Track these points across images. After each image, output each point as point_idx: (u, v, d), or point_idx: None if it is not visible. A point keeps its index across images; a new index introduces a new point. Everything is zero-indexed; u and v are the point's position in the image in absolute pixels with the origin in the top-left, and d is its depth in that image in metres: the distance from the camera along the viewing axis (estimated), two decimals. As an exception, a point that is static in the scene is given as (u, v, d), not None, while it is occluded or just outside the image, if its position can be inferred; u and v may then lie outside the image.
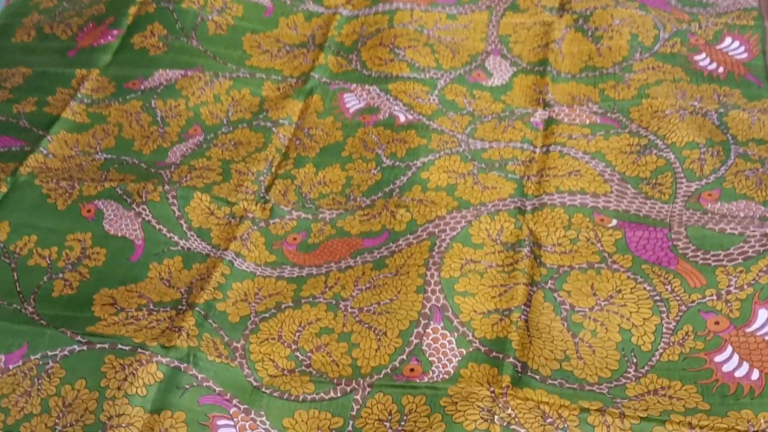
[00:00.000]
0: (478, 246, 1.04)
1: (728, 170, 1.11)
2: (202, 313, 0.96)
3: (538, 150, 1.20)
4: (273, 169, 1.18)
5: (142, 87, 1.32)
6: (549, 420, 0.85)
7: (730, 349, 0.89)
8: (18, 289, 1.03)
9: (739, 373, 0.87)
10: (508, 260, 1.04)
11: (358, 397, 0.88)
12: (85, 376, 0.89)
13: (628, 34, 1.36)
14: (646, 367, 0.91)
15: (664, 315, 0.95)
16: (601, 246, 1.04)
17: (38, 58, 1.42)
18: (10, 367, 0.92)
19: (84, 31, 1.50)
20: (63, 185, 1.14)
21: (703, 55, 1.34)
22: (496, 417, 0.86)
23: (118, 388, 0.86)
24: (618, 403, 0.87)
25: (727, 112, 1.21)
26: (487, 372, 0.91)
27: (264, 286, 1.02)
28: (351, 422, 0.88)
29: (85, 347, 0.92)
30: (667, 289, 0.98)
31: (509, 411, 0.86)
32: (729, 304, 0.94)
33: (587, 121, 1.23)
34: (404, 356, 0.92)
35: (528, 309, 0.98)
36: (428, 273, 0.98)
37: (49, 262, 1.06)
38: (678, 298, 0.97)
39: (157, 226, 1.09)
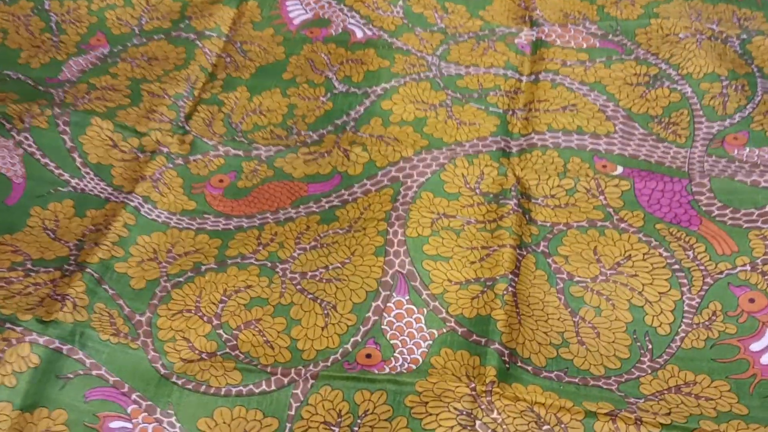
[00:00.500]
0: (452, 196, 0.87)
1: (756, 109, 0.92)
2: (96, 275, 0.80)
3: (524, 78, 1.00)
4: (195, 93, 1.02)
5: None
6: (545, 427, 0.67)
7: (768, 334, 0.73)
8: None
9: (781, 366, 0.71)
10: (490, 215, 0.84)
11: (299, 391, 0.72)
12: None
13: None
14: (665, 356, 0.74)
15: (685, 289, 0.78)
16: (605, 199, 0.85)
17: None
18: None
19: None
20: None
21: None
22: (477, 423, 0.67)
23: (-24, 378, 0.69)
24: (632, 405, 0.68)
25: (751, 38, 1.01)
26: (466, 362, 0.73)
27: (179, 241, 0.86)
28: (288, 425, 0.70)
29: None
30: (688, 256, 0.79)
31: (494, 415, 0.68)
32: (766, 277, 0.75)
33: (584, 45, 1.03)
34: (359, 338, 0.76)
35: (516, 279, 0.78)
36: (390, 230, 0.83)
37: None
38: (702, 267, 0.78)
39: (43, 160, 0.91)
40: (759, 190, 0.83)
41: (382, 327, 0.76)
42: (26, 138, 0.91)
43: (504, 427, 0.67)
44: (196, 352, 0.75)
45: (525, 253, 0.81)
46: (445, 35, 1.06)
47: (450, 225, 0.84)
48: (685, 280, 0.78)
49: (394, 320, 0.76)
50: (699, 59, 0.98)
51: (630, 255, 0.81)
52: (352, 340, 0.75)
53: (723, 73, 0.97)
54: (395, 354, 0.74)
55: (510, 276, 0.78)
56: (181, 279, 0.81)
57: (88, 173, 0.91)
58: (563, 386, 0.71)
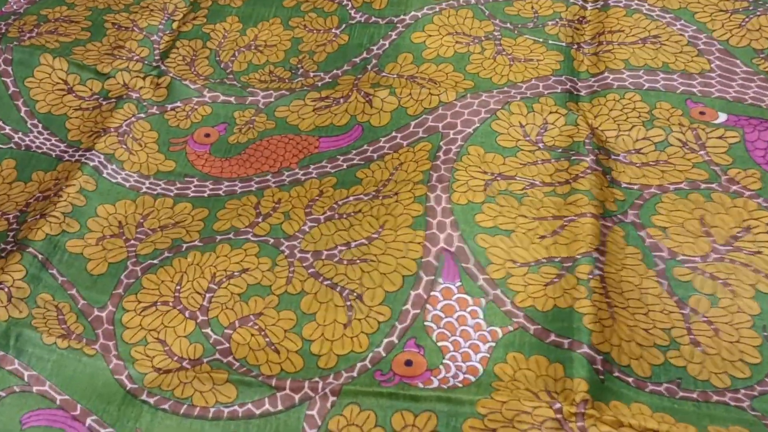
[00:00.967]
0: (509, 152, 0.69)
1: None
2: (40, 257, 0.64)
3: (590, 5, 0.80)
4: (174, 24, 0.84)
5: None
6: (665, 465, 0.48)
7: None
8: None
9: None
10: (560, 176, 0.66)
11: (314, 412, 0.55)
12: None
13: None
14: (810, 360, 0.55)
15: (827, 270, 0.59)
16: (707, 154, 0.67)
17: None
18: None
19: None
20: None
21: None
22: (568, 461, 0.48)
23: None
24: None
25: None
26: (545, 371, 0.55)
27: (153, 211, 0.68)
28: (302, 461, 0.52)
29: None
30: (826, 226, 0.60)
31: (591, 448, 0.48)
32: None
33: None
34: (394, 338, 0.58)
35: (603, 258, 0.59)
36: (431, 195, 0.65)
37: None
38: None
39: (-25, 110, 0.74)
40: None
41: (426, 323, 0.58)
42: (-42, 82, 0.73)
43: (606, 466, 0.48)
44: (175, 358, 0.58)
45: (610, 224, 0.62)
46: (486, -45, 0.87)
47: (509, 188, 0.65)
48: (826, 259, 0.59)
49: (442, 314, 0.58)
50: (810, -20, 0.78)
51: (749, 226, 0.62)
52: (385, 341, 0.57)
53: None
54: (445, 360, 0.56)
55: (595, 254, 0.59)
56: (155, 261, 0.64)
57: (35, 126, 0.75)
58: (678, 404, 0.53)
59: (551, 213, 0.63)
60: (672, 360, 0.55)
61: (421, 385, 0.54)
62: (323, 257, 0.62)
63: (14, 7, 0.84)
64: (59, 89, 0.76)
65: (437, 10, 0.81)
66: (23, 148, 0.73)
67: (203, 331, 0.59)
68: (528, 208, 0.64)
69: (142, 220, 0.66)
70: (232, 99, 0.76)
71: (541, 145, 0.68)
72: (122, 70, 0.77)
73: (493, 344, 0.56)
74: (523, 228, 0.62)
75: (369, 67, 0.77)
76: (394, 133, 0.71)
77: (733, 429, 0.51)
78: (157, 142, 0.73)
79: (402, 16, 0.81)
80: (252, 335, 0.58)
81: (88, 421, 0.54)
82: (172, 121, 0.74)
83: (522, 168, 0.67)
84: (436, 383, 0.54)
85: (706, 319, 0.57)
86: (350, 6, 0.83)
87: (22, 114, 0.75)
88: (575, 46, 0.77)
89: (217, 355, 0.57)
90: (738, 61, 0.74)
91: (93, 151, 0.70)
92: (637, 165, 0.67)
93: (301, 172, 0.69)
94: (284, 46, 0.81)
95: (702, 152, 0.67)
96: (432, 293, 0.59)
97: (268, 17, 0.84)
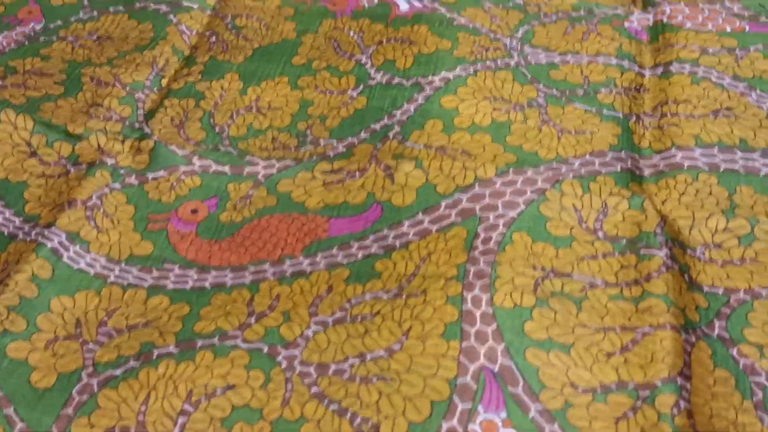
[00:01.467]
0: (562, 242, 0.57)
1: None
2: None
3: (648, 71, 0.69)
4: (164, 81, 0.74)
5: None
6: None
7: None
8: None
9: None
10: (627, 274, 0.54)
11: None
12: None
13: None
14: None
15: None
16: None
17: None
18: None
19: None
20: None
21: None
22: None
23: None
24: None
25: None
26: None
27: (121, 306, 0.55)
28: None
29: None
30: None
31: None
32: None
33: (727, 28, 0.73)
34: None
35: (689, 386, 0.45)
36: (468, 296, 0.53)
37: None
38: None
39: None
40: None
41: (463, 470, 0.43)
42: None
43: None
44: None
45: (694, 339, 0.49)
46: (525, 13, 0.76)
47: (564, 289, 0.52)
48: None
49: (484, 457, 0.44)
50: None
51: None
52: (409, 492, 0.43)
53: None
54: None
55: (679, 380, 0.46)
56: (116, 372, 0.50)
57: (-13, 195, 0.62)
58: None
59: (619, 323, 0.50)
60: None
61: None
62: (330, 373, 0.49)
63: (-20, 56, 0.73)
64: (21, 151, 0.64)
65: (472, 71, 0.69)
66: (-31, 223, 0.60)
67: (173, 468, 0.45)
68: (589, 315, 0.51)
69: (106, 318, 0.53)
70: (226, 169, 0.63)
71: (600, 234, 0.56)
72: (98, 131, 0.65)
73: (553, 502, 0.43)
74: (584, 341, 0.49)
75: (391, 135, 0.65)
76: (420, 216, 0.58)
77: None
78: (132, 219, 0.60)
79: (431, 77, 0.70)
80: (236, 477, 0.45)
81: None
82: (153, 193, 0.62)
83: (579, 263, 0.54)
84: None
85: (826, 470, 0.44)
86: (369, 64, 0.72)
87: (-28, 180, 0.63)
88: (634, 118, 0.66)
89: (190, 504, 0.44)
90: (829, 139, 0.63)
91: (53, 228, 0.57)
92: (719, 263, 0.54)
93: (307, 262, 0.56)
94: (291, 109, 0.69)
95: (798, 249, 0.55)
96: (470, 426, 0.46)
97: (274, 75, 0.72)
